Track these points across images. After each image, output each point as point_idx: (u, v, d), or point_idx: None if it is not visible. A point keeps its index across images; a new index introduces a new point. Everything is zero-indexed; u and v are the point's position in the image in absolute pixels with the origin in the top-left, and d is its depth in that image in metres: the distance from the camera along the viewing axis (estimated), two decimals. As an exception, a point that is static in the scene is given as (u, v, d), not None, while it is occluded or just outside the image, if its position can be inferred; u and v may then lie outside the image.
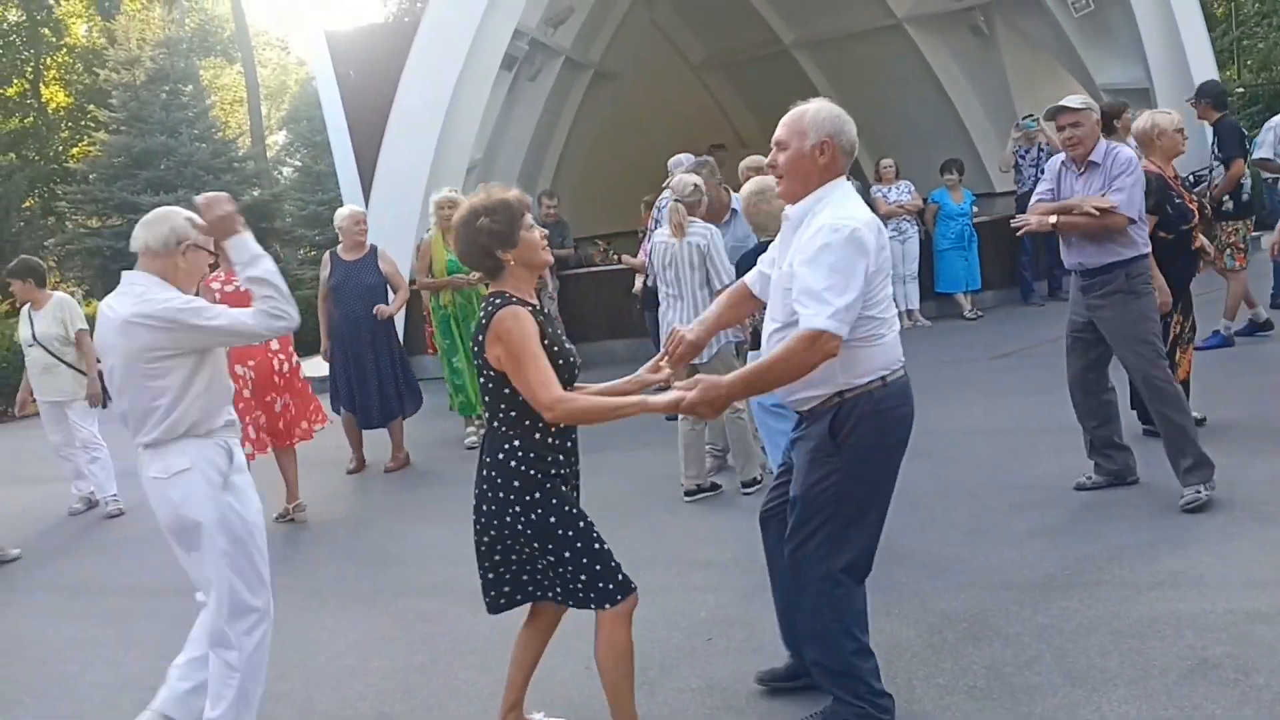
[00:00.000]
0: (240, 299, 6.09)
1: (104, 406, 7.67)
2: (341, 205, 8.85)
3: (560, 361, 3.25)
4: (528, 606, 3.56)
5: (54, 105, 28.26)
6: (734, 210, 6.67)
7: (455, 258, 7.98)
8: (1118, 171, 5.11)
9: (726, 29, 18.58)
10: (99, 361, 7.54)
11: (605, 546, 3.33)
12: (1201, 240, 6.05)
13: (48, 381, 7.60)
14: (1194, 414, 5.61)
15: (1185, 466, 5.09)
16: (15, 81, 27.20)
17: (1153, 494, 5.26)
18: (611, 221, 15.36)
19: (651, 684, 3.96)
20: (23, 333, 7.67)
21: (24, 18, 27.55)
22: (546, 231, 3.50)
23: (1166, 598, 4.12)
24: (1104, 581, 4.34)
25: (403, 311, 8.59)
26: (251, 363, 6.61)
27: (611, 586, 3.30)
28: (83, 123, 25.89)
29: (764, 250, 4.68)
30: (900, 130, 15.79)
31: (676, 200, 6.27)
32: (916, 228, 11.76)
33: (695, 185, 6.33)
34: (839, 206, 3.21)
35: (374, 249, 8.01)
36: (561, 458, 3.32)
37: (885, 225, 11.09)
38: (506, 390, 3.22)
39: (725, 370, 6.00)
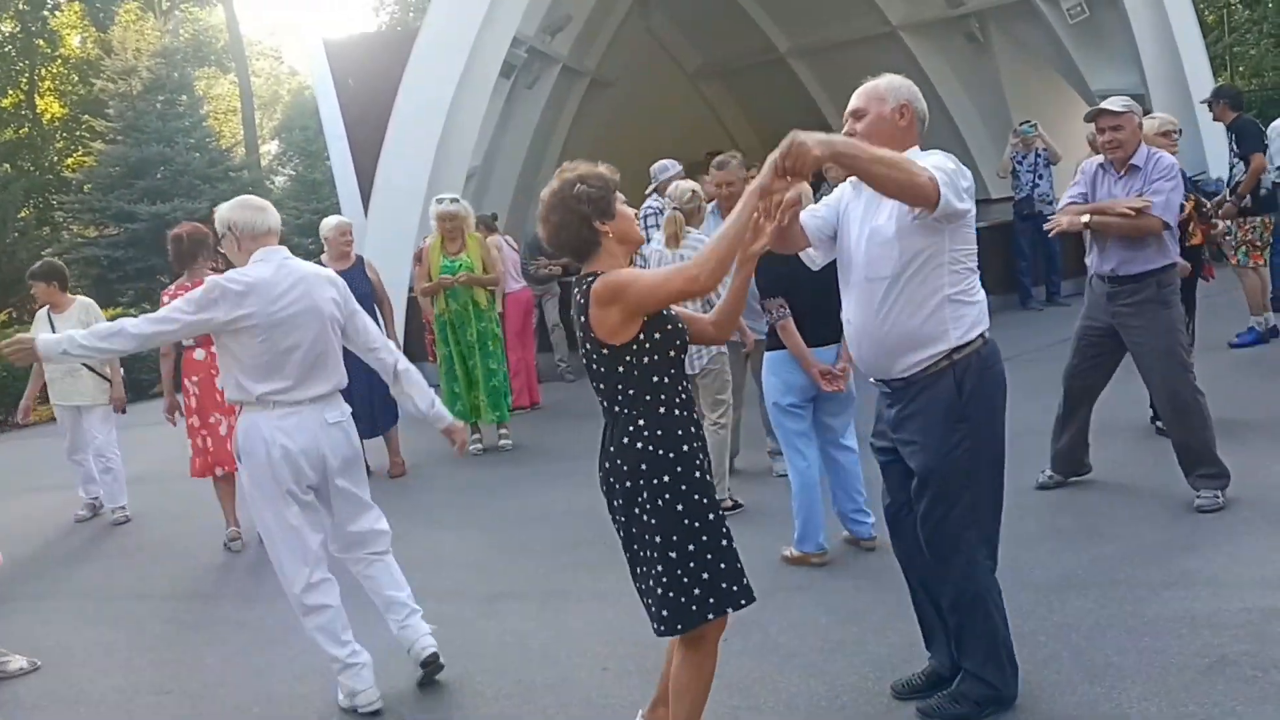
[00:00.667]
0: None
1: (124, 412, 7.65)
2: (339, 214, 8.88)
3: (669, 326, 3.09)
4: None
5: (49, 116, 28.22)
6: None
7: (450, 262, 7.99)
8: (1158, 176, 5.03)
9: (722, 37, 18.65)
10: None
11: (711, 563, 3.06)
12: (1200, 236, 6.09)
13: (68, 385, 7.53)
14: None
15: (1200, 473, 5.06)
16: (10, 93, 27.13)
17: (1162, 495, 5.28)
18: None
19: (670, 685, 3.96)
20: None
21: (18, 29, 27.52)
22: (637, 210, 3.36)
23: (1181, 597, 4.13)
24: (1118, 581, 4.36)
25: (401, 319, 8.62)
26: (195, 378, 6.48)
27: (687, 616, 3.05)
28: (78, 133, 25.88)
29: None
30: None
31: (675, 209, 6.12)
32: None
33: (694, 192, 6.22)
34: (936, 155, 3.26)
35: (360, 259, 8.03)
36: (694, 430, 3.11)
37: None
38: (621, 367, 3.05)
39: (719, 377, 5.98)
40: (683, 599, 3.02)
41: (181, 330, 4.04)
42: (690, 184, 6.30)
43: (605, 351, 3.06)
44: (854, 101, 3.43)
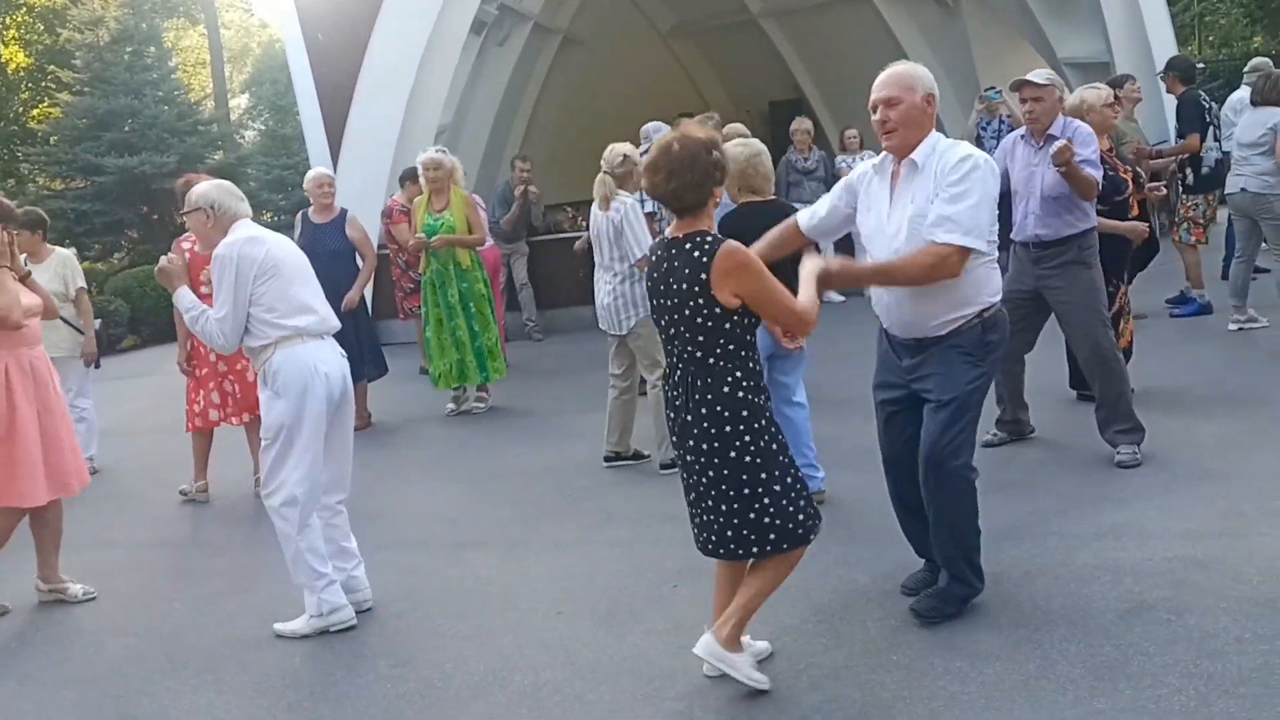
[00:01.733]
0: (208, 260, 6.19)
1: (97, 366, 7.67)
2: (309, 169, 8.87)
3: None
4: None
5: (14, 65, 27.76)
6: None
7: (433, 222, 8.02)
8: (1079, 143, 5.27)
9: (695, -3, 18.64)
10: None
11: (801, 479, 3.52)
12: (1138, 207, 6.28)
13: (45, 336, 7.55)
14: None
15: (1118, 429, 5.36)
16: (-27, 41, 26.73)
17: (1099, 454, 5.48)
18: (579, 188, 15.39)
19: (621, 627, 4.14)
20: None
21: (-19, -24, 27.04)
22: None
23: (1108, 547, 4.35)
24: (1051, 533, 4.57)
25: (373, 277, 8.65)
26: None
27: (811, 522, 3.50)
28: (44, 83, 25.50)
29: (751, 211, 4.94)
30: (865, 100, 15.92)
31: (605, 173, 6.19)
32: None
33: (625, 156, 6.21)
34: (961, 148, 3.68)
35: (343, 213, 8.04)
36: (764, 384, 3.50)
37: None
38: (727, 325, 3.35)
39: (651, 339, 6.09)
40: (791, 523, 3.44)
41: (243, 308, 4.30)
42: (624, 147, 6.27)
43: (719, 310, 3.34)
44: (885, 89, 3.72)
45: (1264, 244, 7.89)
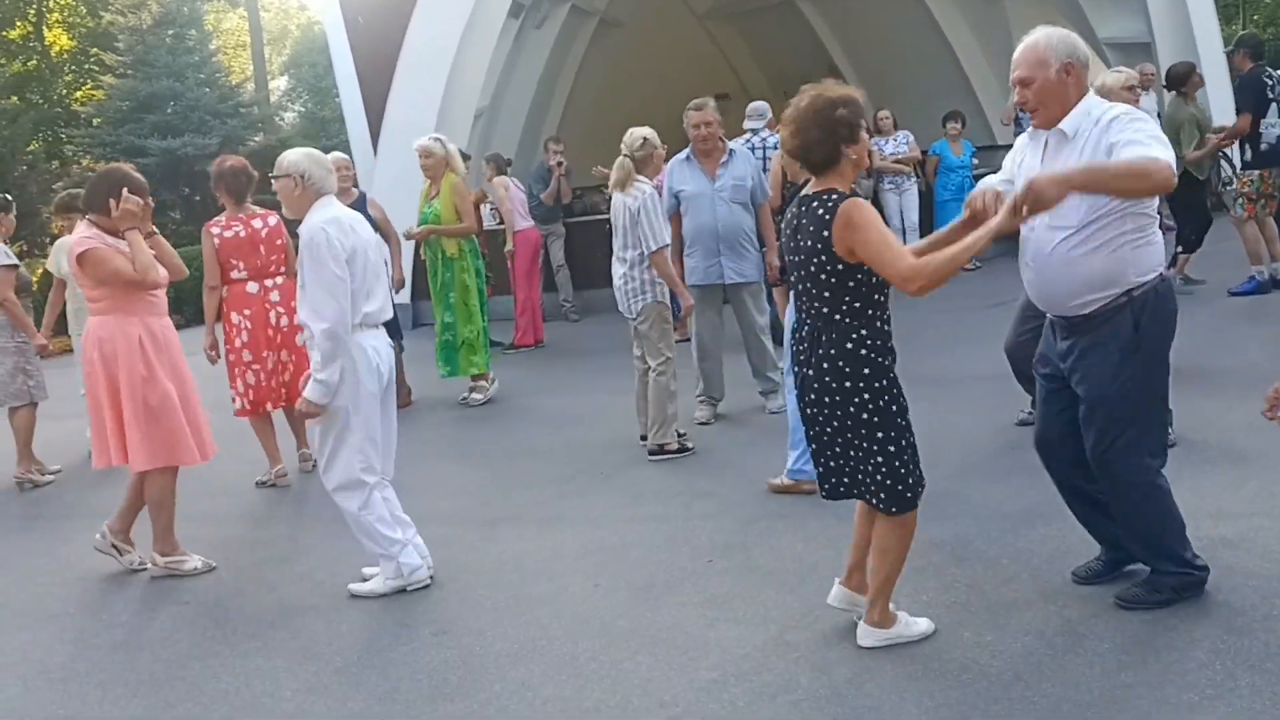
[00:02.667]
0: (237, 244, 6.31)
1: None
2: (348, 152, 9.00)
3: None
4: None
5: (57, 48, 28.21)
6: (732, 151, 6.80)
7: (427, 209, 7.88)
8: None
9: (732, -22, 18.61)
10: None
11: (915, 446, 3.57)
12: None
13: (83, 321, 7.67)
14: None
15: None
16: (18, 24, 27.11)
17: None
18: (616, 170, 15.50)
19: (656, 599, 4.24)
20: (61, 267, 7.67)
21: (26, -41, 27.43)
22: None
23: (1139, 526, 4.38)
24: (1081, 511, 4.61)
25: (409, 257, 8.73)
26: (247, 312, 6.50)
27: (920, 488, 3.58)
28: (86, 66, 25.91)
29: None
30: (904, 82, 15.89)
31: (625, 155, 6.16)
32: (915, 180, 11.93)
33: (645, 139, 6.18)
34: (1116, 108, 3.52)
35: (363, 195, 8.15)
36: (893, 345, 3.52)
37: (882, 180, 11.10)
38: (851, 283, 3.40)
39: (658, 325, 6.15)
40: (900, 485, 3.51)
41: (341, 287, 4.33)
42: (644, 131, 6.24)
43: (841, 267, 3.39)
44: (1019, 69, 3.60)
45: None
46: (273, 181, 4.56)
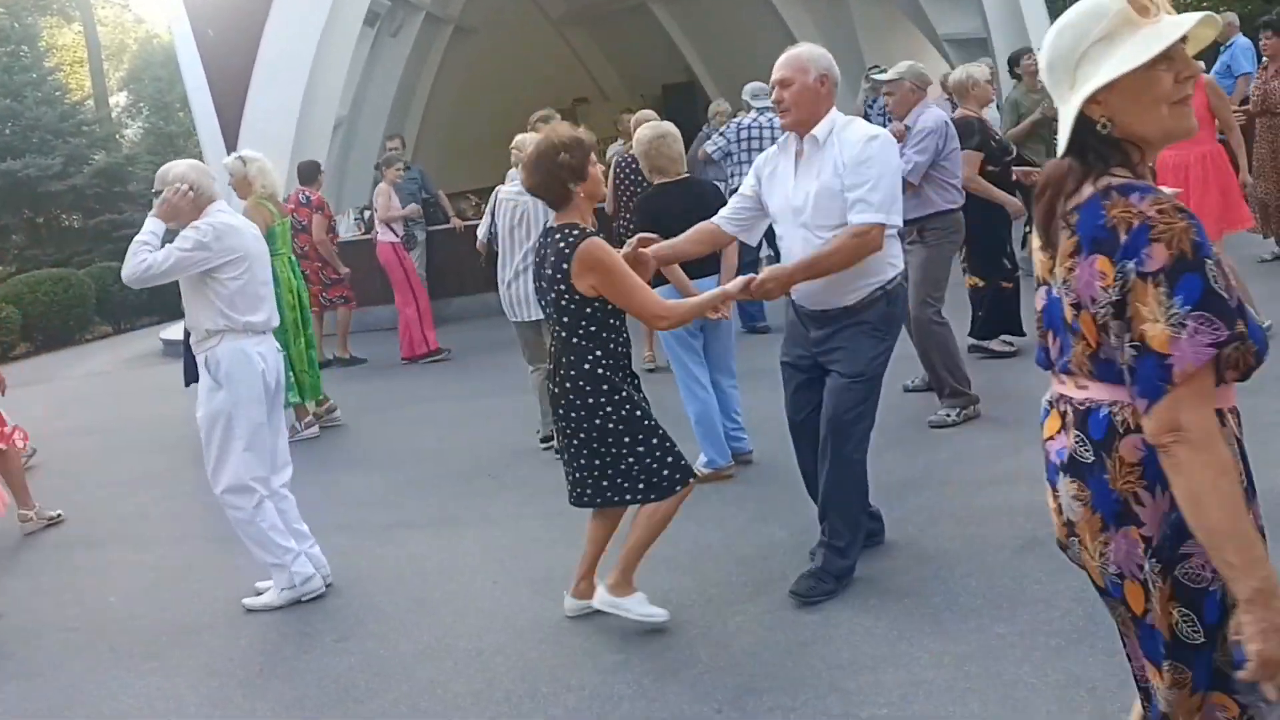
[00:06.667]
0: None
1: None
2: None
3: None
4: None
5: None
6: None
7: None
8: (916, 134, 5.75)
9: (584, -17, 18.78)
10: None
11: (669, 439, 3.82)
12: (1018, 174, 6.75)
13: None
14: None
15: (946, 392, 5.85)
16: None
17: (994, 406, 5.86)
18: (478, 177, 15.51)
19: (556, 591, 4.33)
20: None
21: None
22: (603, 168, 3.90)
23: (1004, 491, 4.70)
24: (950, 481, 4.93)
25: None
26: None
27: (678, 475, 3.80)
28: (-87, 86, 24.52)
29: (663, 191, 5.16)
30: (755, 80, 16.28)
31: (518, 153, 6.16)
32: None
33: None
34: (858, 125, 3.89)
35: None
36: (627, 363, 3.83)
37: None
38: (588, 310, 3.68)
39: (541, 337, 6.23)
40: (655, 479, 3.78)
41: (180, 265, 4.37)
42: (532, 136, 6.12)
43: (578, 298, 3.66)
44: (779, 71, 3.94)
45: None
46: (155, 199, 4.52)
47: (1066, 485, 1.96)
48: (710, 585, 4.17)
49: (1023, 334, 6.97)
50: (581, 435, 3.75)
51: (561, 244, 3.68)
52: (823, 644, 3.63)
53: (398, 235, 10.26)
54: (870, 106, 12.55)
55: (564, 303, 3.71)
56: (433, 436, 7.25)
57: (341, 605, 4.56)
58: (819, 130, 3.89)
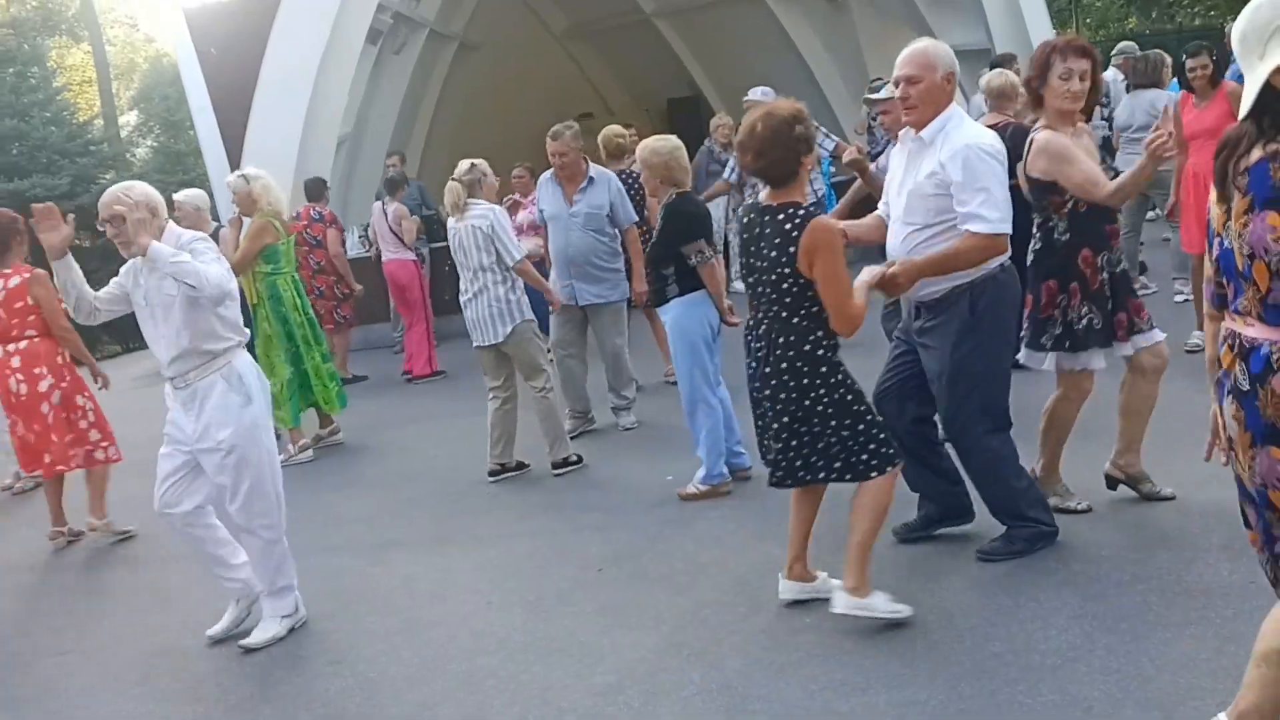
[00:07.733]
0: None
1: None
2: (206, 186, 8.85)
3: None
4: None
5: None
6: (591, 178, 6.84)
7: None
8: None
9: (587, -2, 18.81)
10: None
11: (876, 425, 3.76)
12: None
13: None
14: None
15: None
16: None
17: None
18: (484, 193, 15.51)
19: (549, 611, 4.31)
20: None
21: None
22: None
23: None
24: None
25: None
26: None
27: (889, 452, 3.74)
28: (-77, 108, 24.69)
29: (689, 200, 5.49)
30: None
31: (453, 180, 6.14)
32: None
33: (472, 165, 6.19)
34: (968, 128, 3.94)
35: (218, 228, 8.05)
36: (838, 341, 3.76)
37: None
38: (811, 291, 3.63)
39: (527, 347, 6.15)
40: (853, 459, 3.72)
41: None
42: (472, 161, 6.22)
43: (803, 280, 3.62)
44: (905, 68, 3.92)
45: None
46: (109, 223, 4.40)
47: (1229, 406, 2.36)
48: (705, 606, 4.12)
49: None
50: (786, 417, 3.70)
51: (786, 224, 3.62)
52: (816, 664, 3.58)
53: (419, 254, 10.34)
54: (874, 120, 12.53)
55: (786, 285, 3.64)
56: (424, 455, 7.21)
57: (334, 628, 4.51)
58: (927, 131, 3.92)
